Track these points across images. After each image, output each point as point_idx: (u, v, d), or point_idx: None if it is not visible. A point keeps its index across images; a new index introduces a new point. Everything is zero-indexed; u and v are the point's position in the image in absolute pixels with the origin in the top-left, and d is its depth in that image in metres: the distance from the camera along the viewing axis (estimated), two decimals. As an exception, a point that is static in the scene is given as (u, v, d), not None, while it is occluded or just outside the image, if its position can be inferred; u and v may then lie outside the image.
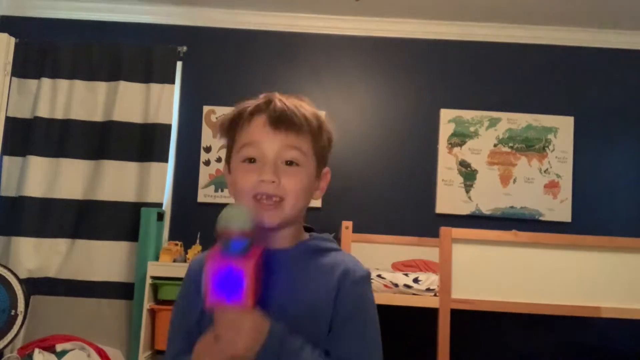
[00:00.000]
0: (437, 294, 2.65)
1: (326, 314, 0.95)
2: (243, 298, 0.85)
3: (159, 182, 3.52)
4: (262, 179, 0.95)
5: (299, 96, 1.04)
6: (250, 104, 1.01)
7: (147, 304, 3.18)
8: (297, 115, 0.98)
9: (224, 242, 0.86)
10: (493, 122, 3.69)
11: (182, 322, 1.02)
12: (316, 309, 0.95)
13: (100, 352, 3.11)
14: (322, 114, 1.07)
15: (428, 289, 2.71)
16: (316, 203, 3.47)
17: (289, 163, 0.97)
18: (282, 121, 0.97)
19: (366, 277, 1.00)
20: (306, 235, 1.05)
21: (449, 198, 3.63)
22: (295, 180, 0.97)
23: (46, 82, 3.57)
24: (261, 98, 1.01)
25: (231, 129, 1.02)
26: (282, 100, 1.00)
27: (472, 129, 3.69)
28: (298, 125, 0.98)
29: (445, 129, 3.69)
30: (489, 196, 3.63)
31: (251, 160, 0.97)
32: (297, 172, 0.97)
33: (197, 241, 3.42)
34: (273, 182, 0.94)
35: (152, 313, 3.23)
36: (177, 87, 3.69)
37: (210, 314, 0.89)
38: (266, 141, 0.96)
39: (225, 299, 0.85)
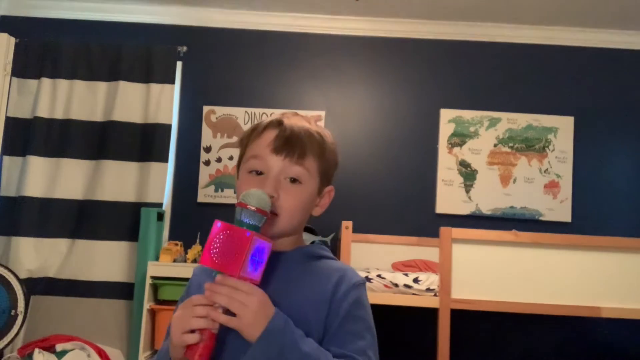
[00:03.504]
0: (437, 294, 2.65)
1: (318, 316, 0.96)
2: (258, 271, 0.88)
3: (159, 182, 3.52)
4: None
5: (313, 117, 1.08)
6: (267, 119, 1.06)
7: (147, 304, 3.18)
8: (306, 136, 1.02)
9: (239, 213, 0.90)
10: (493, 122, 3.69)
11: None
12: (309, 311, 0.96)
13: (100, 352, 3.11)
14: (329, 134, 1.10)
15: (428, 289, 2.71)
16: (316, 203, 3.46)
17: (292, 180, 1.00)
18: (290, 141, 1.00)
19: (362, 284, 1.02)
20: (306, 243, 1.08)
21: (449, 198, 3.63)
22: (294, 198, 1.00)
23: (46, 82, 3.57)
24: (278, 115, 1.06)
25: (245, 139, 1.07)
26: (293, 120, 1.04)
27: (472, 129, 3.69)
28: (305, 145, 1.01)
29: (445, 129, 3.69)
30: (489, 196, 3.63)
31: (258, 172, 1.01)
32: (298, 189, 1.01)
33: (197, 241, 3.42)
34: (272, 197, 0.96)
35: (152, 313, 3.23)
36: (177, 87, 3.69)
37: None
38: (272, 157, 1.00)
39: (236, 266, 0.85)
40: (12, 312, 2.97)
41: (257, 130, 1.04)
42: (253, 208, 0.89)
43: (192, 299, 0.91)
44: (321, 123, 3.65)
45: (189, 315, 0.88)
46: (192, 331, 0.88)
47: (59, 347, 3.01)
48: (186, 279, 3.56)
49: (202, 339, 0.87)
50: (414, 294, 2.72)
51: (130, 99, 3.58)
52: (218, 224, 0.89)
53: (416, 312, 2.79)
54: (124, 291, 3.41)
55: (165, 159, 3.56)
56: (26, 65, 3.60)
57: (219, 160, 3.66)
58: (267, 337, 0.86)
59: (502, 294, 2.61)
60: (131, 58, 3.61)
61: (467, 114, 3.69)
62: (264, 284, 0.90)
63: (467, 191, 3.64)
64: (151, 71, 3.61)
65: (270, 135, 1.01)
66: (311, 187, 1.03)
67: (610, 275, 2.63)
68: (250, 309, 0.86)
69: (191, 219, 3.60)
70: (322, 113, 3.67)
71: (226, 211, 3.61)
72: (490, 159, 3.67)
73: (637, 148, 3.72)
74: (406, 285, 2.73)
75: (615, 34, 3.72)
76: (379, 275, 2.78)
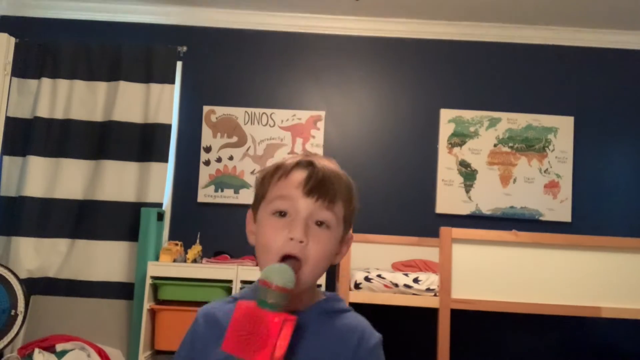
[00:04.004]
0: (437, 294, 2.65)
1: None
2: (282, 351, 0.82)
3: (159, 182, 3.52)
4: (292, 237, 0.91)
5: (330, 158, 1.03)
6: (291, 159, 1.00)
7: (147, 304, 3.18)
8: (337, 181, 0.97)
9: (262, 293, 0.83)
10: (493, 122, 3.69)
11: None
12: None
13: (100, 352, 3.11)
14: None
15: (428, 289, 2.71)
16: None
17: (320, 224, 0.94)
18: (322, 184, 0.95)
19: (379, 344, 0.98)
20: (319, 295, 1.02)
21: (449, 198, 3.63)
22: (323, 245, 0.94)
23: (46, 82, 3.57)
24: (301, 156, 1.00)
25: (267, 178, 0.99)
26: (324, 162, 0.99)
27: (472, 129, 3.69)
28: (336, 190, 0.96)
29: (445, 129, 3.69)
30: (489, 196, 3.63)
31: (282, 213, 0.94)
32: (326, 235, 0.95)
33: (197, 241, 3.42)
34: (301, 242, 0.91)
35: (152, 313, 3.23)
36: (177, 87, 3.69)
37: None
38: (302, 199, 0.93)
39: (255, 354, 0.80)
40: (12, 312, 2.97)
41: (282, 170, 0.97)
42: (278, 287, 0.83)
43: None
44: (321, 123, 3.66)
45: None
46: None
47: (59, 347, 3.02)
48: (186, 279, 3.54)
49: None
50: (414, 294, 2.72)
51: (130, 99, 3.58)
52: (242, 306, 0.83)
53: (416, 312, 2.79)
54: (124, 291, 3.41)
55: (165, 159, 3.56)
56: (26, 65, 3.60)
57: (219, 160, 3.66)
58: None
59: (502, 294, 2.61)
60: (131, 58, 3.61)
61: (467, 114, 3.69)
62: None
63: (467, 191, 3.64)
64: (151, 71, 3.61)
65: (300, 175, 0.95)
66: (337, 234, 0.97)
67: (610, 275, 2.62)
68: None
69: (191, 219, 3.61)
70: (322, 113, 3.67)
71: (226, 211, 3.63)
72: (490, 159, 3.67)
73: (637, 148, 3.72)
74: (406, 285, 2.73)
75: (615, 34, 3.72)
76: (379, 275, 2.78)
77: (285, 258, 0.91)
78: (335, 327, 0.97)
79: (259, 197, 1.00)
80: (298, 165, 0.97)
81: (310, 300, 0.98)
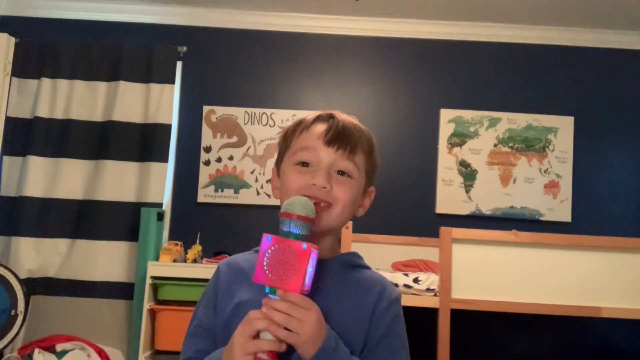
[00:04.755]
0: (437, 294, 2.65)
1: (360, 330, 0.95)
2: (310, 281, 0.85)
3: (159, 182, 3.52)
4: (314, 183, 0.95)
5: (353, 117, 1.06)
6: (312, 115, 1.03)
7: (147, 304, 3.18)
8: (357, 132, 1.01)
9: (285, 223, 0.86)
10: (493, 122, 3.69)
11: (206, 321, 1.00)
12: (351, 324, 0.95)
13: (100, 352, 3.11)
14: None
15: (428, 289, 2.70)
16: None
17: (341, 173, 0.98)
18: (343, 134, 0.99)
19: (399, 299, 1.02)
20: (340, 249, 1.06)
21: (449, 198, 3.63)
22: (346, 190, 0.97)
23: (46, 82, 3.57)
24: (322, 111, 1.04)
25: (289, 133, 1.03)
26: (344, 116, 1.03)
27: (472, 129, 3.69)
28: (356, 140, 1.00)
29: (445, 129, 3.69)
30: (489, 196, 3.63)
31: (304, 164, 0.98)
32: (349, 183, 0.98)
33: (197, 241, 3.42)
34: (324, 187, 0.95)
35: (152, 313, 3.23)
36: (177, 87, 3.69)
37: (245, 311, 0.87)
38: (324, 148, 0.97)
39: (297, 282, 0.83)
40: (12, 312, 2.97)
41: (304, 124, 1.02)
42: (300, 217, 0.86)
43: (249, 315, 0.87)
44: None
45: (250, 332, 0.86)
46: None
47: (59, 347, 3.02)
48: (186, 279, 3.53)
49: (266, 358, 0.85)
50: (414, 294, 2.72)
51: (130, 99, 3.58)
52: (268, 238, 0.86)
53: (416, 312, 2.78)
54: (124, 291, 3.41)
55: (165, 159, 3.56)
56: (26, 65, 3.60)
57: (219, 160, 3.66)
58: (321, 355, 0.85)
59: (502, 294, 2.61)
60: (131, 58, 3.61)
61: (467, 114, 3.69)
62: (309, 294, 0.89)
63: (467, 191, 3.64)
64: (151, 71, 3.61)
65: (321, 127, 0.99)
66: (360, 184, 1.01)
67: (610, 275, 2.62)
68: (308, 326, 0.85)
69: (191, 219, 3.61)
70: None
71: (226, 211, 3.63)
72: (490, 159, 3.67)
73: (637, 148, 3.72)
74: (406, 285, 2.73)
75: (615, 34, 3.72)
76: (379, 275, 2.78)
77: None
78: (358, 278, 1.01)
79: (282, 152, 1.04)
80: (319, 118, 1.02)
81: (333, 252, 1.02)
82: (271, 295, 0.86)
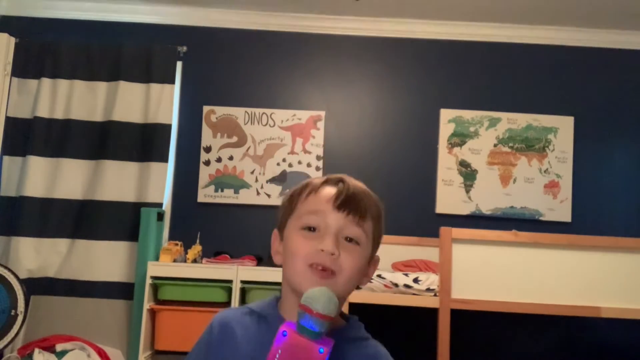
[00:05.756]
0: (437, 294, 2.65)
1: None
2: None
3: (159, 182, 3.52)
4: (323, 249, 0.90)
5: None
6: (319, 178, 1.00)
7: (147, 304, 3.18)
8: (367, 198, 0.98)
9: (302, 318, 0.81)
10: (493, 122, 3.69)
11: None
12: None
13: (100, 352, 3.11)
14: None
15: (428, 289, 2.70)
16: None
17: (349, 240, 0.93)
18: (353, 199, 0.95)
19: None
20: (341, 321, 1.01)
21: (449, 198, 3.63)
22: (354, 258, 0.93)
23: (46, 82, 3.57)
24: (329, 175, 1.01)
25: (296, 195, 0.99)
26: (353, 180, 1.00)
27: (472, 129, 3.69)
28: (366, 206, 0.96)
29: (445, 129, 3.69)
30: (489, 196, 3.63)
31: (311, 229, 0.93)
32: (357, 251, 0.94)
33: (197, 241, 3.42)
34: (333, 254, 0.90)
35: (152, 313, 3.23)
36: (177, 87, 3.69)
37: None
38: (333, 212, 0.93)
39: None
40: (12, 312, 2.97)
41: (311, 186, 0.97)
42: (320, 315, 0.80)
43: None
44: (321, 123, 3.65)
45: None
46: None
47: (59, 347, 3.02)
48: (186, 279, 3.53)
49: None
50: (414, 294, 2.72)
51: (130, 99, 3.58)
52: (284, 333, 0.81)
53: (416, 312, 2.79)
54: (124, 291, 3.41)
55: (165, 159, 3.56)
56: (26, 65, 3.60)
57: (219, 160, 3.66)
58: None
59: (502, 294, 2.61)
60: (131, 58, 3.61)
61: (467, 114, 3.69)
62: None
63: (467, 191, 3.64)
64: (151, 71, 3.61)
65: (331, 191, 0.95)
66: (367, 252, 0.96)
67: (610, 275, 2.62)
68: None
69: (191, 219, 3.61)
70: (322, 113, 3.67)
71: (226, 211, 3.63)
72: (490, 159, 3.67)
73: (637, 148, 3.72)
74: (406, 285, 2.73)
75: (615, 34, 3.72)
76: (379, 275, 2.78)
77: (314, 269, 0.90)
78: (358, 357, 0.95)
79: (286, 216, 0.99)
80: (328, 182, 0.98)
81: (333, 324, 0.96)
82: None
